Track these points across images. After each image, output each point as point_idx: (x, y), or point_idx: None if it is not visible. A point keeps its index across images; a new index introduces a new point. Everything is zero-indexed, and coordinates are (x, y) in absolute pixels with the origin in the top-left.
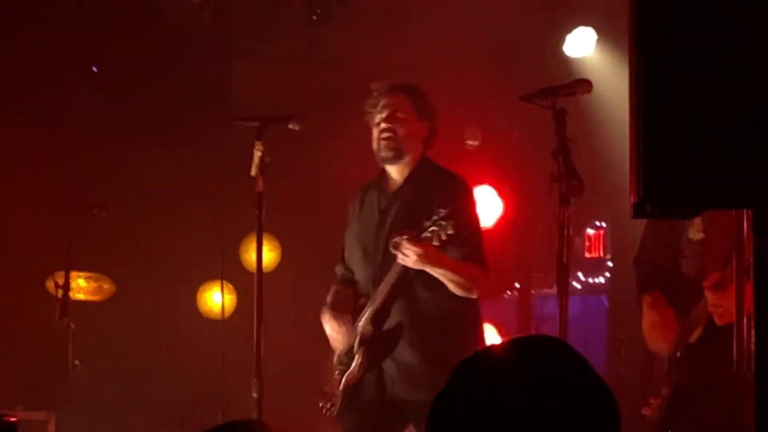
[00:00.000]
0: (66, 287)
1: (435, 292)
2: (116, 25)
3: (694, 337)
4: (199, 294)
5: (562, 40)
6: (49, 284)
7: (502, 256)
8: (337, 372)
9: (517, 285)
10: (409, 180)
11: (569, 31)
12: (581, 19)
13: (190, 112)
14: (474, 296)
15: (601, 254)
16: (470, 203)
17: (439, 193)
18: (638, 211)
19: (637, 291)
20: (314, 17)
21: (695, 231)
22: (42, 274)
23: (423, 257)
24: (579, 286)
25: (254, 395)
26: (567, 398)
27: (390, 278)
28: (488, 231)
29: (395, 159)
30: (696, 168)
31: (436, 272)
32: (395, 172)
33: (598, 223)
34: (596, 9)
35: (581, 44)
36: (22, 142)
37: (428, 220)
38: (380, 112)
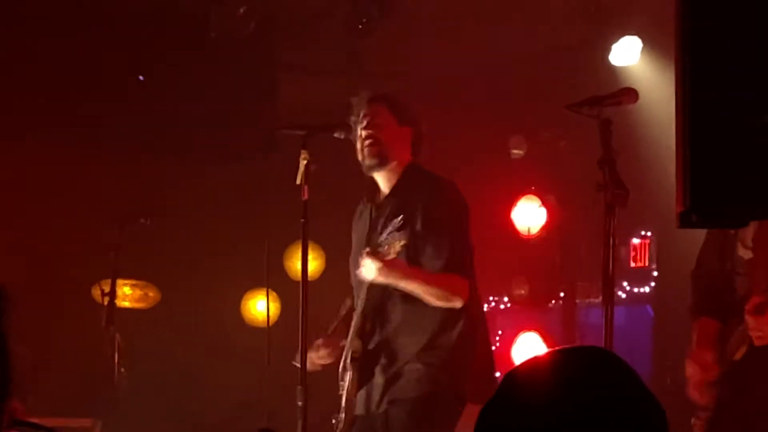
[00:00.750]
0: (112, 295)
1: (414, 303)
2: (163, 35)
3: (738, 355)
4: (243, 302)
5: (608, 50)
6: (96, 292)
7: (547, 266)
8: (340, 389)
9: (562, 294)
10: (394, 189)
11: (615, 40)
12: (627, 28)
13: (236, 121)
14: (456, 305)
15: (647, 264)
16: (450, 210)
17: (421, 201)
18: (684, 221)
19: (690, 306)
20: (359, 27)
21: (744, 249)
22: (88, 282)
23: (383, 271)
24: (624, 296)
25: (299, 403)
26: (615, 410)
27: (369, 293)
28: (533, 240)
29: (380, 165)
30: (742, 177)
31: (404, 285)
32: (383, 182)
33: (643, 232)
34: (642, 17)
35: (627, 53)
36: (71, 152)
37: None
38: (361, 123)
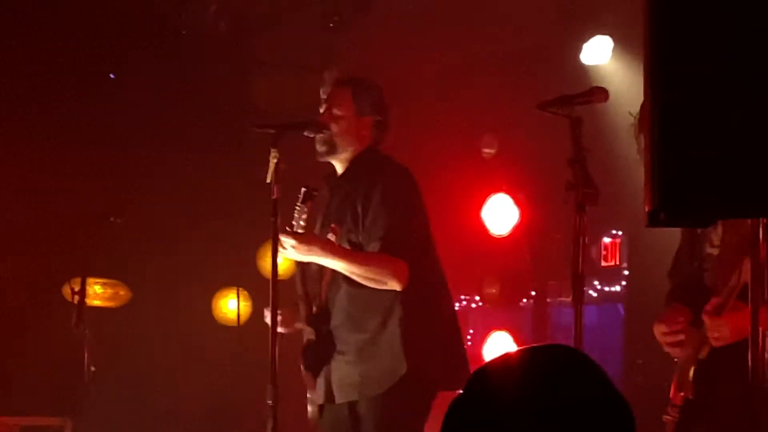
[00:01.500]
0: (82, 293)
1: (356, 291)
2: (134, 33)
3: (703, 354)
4: (214, 301)
5: (579, 49)
6: (66, 291)
7: (518, 265)
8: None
9: (533, 293)
10: (345, 173)
11: (586, 39)
12: (598, 27)
13: (207, 119)
14: (393, 287)
15: (618, 263)
16: (392, 192)
17: (364, 184)
18: (653, 219)
19: (665, 303)
20: (330, 25)
21: (711, 248)
22: (58, 281)
23: (300, 248)
24: (595, 295)
25: (269, 402)
26: (582, 408)
27: (313, 278)
28: (504, 239)
29: (327, 154)
30: (711, 176)
31: (330, 263)
32: (338, 166)
33: (614, 231)
34: (613, 17)
35: (598, 52)
36: (39, 149)
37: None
38: (321, 106)
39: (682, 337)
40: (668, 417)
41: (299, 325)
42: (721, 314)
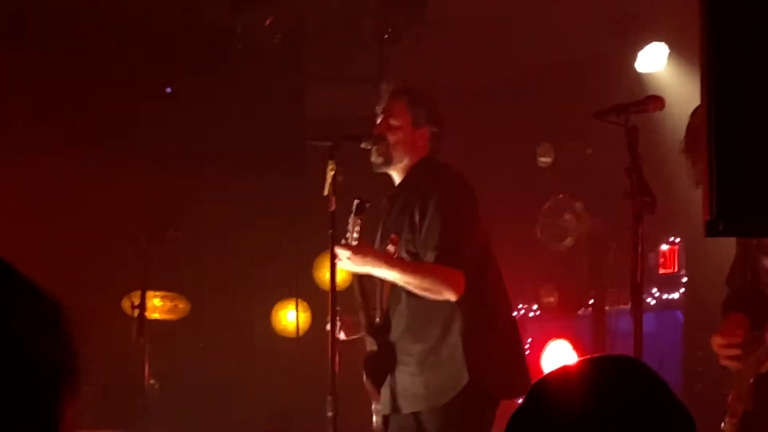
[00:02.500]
0: (142, 307)
1: (416, 302)
2: (188, 47)
3: (765, 368)
4: (273, 312)
5: (634, 57)
6: (126, 304)
7: (576, 273)
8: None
9: (591, 301)
10: (402, 183)
11: (642, 47)
12: (653, 34)
13: (264, 132)
14: (448, 297)
15: (675, 270)
16: (449, 200)
17: (420, 192)
18: (711, 229)
19: (722, 311)
20: (385, 36)
21: (766, 257)
22: (118, 295)
23: (355, 259)
24: (654, 302)
25: (329, 414)
26: (644, 421)
27: (375, 289)
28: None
29: (384, 165)
30: None
31: (385, 274)
32: (396, 177)
33: (672, 238)
34: (668, 24)
35: (653, 60)
36: (100, 165)
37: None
38: (378, 117)
39: (739, 351)
40: (726, 427)
41: (362, 334)
42: None
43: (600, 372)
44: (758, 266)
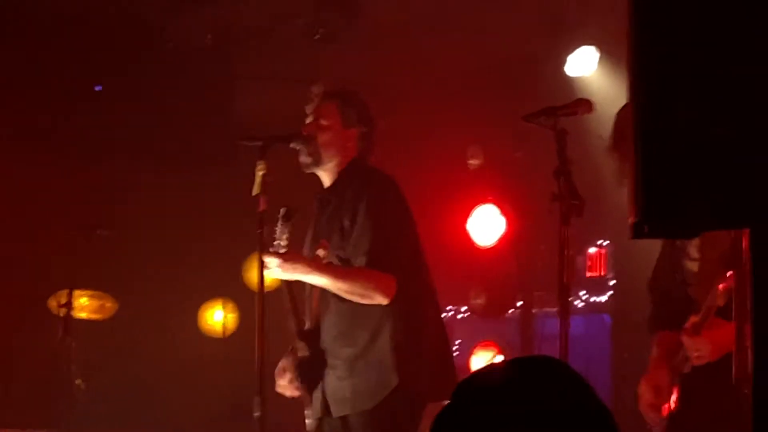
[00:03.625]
0: (69, 306)
1: (345, 307)
2: (119, 45)
3: (687, 368)
4: (200, 312)
5: (564, 60)
6: (52, 303)
7: (505, 275)
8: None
9: (519, 303)
10: (332, 186)
11: (572, 50)
12: (584, 38)
13: (193, 132)
14: (379, 301)
15: (603, 273)
16: (379, 204)
17: (351, 197)
18: (637, 231)
19: (648, 318)
20: (316, 37)
21: (691, 262)
22: (45, 294)
23: (284, 266)
24: (582, 305)
25: (256, 414)
26: (564, 420)
27: (301, 294)
28: (490, 249)
29: (313, 165)
30: (695, 187)
31: (315, 281)
32: (324, 179)
33: (600, 242)
34: (599, 28)
35: (584, 63)
36: (26, 162)
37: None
38: (308, 118)
39: (663, 414)
40: (655, 430)
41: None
42: (699, 332)
43: (523, 371)
44: (683, 267)
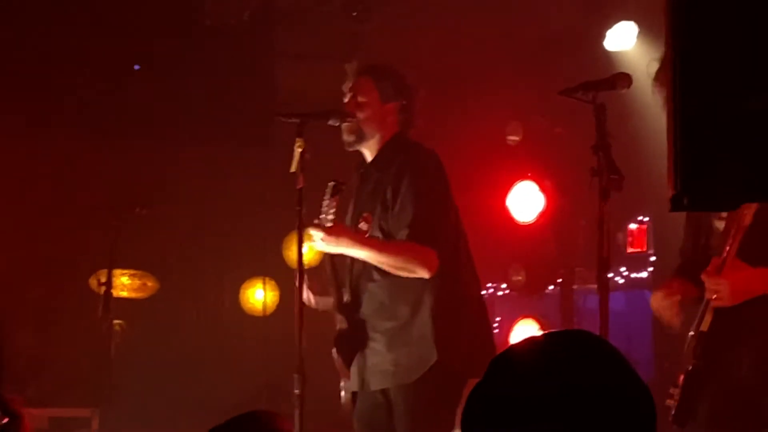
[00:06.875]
0: (109, 285)
1: (386, 280)
2: (158, 23)
3: (705, 326)
4: (242, 291)
5: (603, 35)
6: (93, 282)
7: (544, 252)
8: (335, 361)
9: (559, 280)
10: (374, 160)
11: (611, 25)
12: (623, 12)
13: (232, 110)
14: (421, 275)
15: (644, 249)
16: (421, 178)
17: (393, 171)
18: (676, 204)
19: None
20: (354, 14)
21: (719, 221)
22: (86, 273)
23: (328, 240)
24: (622, 281)
25: (296, 391)
26: (599, 392)
27: (347, 266)
28: (530, 226)
29: (356, 143)
30: (733, 160)
31: (358, 254)
32: (367, 154)
33: (640, 217)
34: (638, 2)
35: (623, 38)
36: (66, 139)
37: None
38: (345, 96)
39: (676, 305)
40: (670, 401)
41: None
42: (720, 272)
43: (558, 344)
44: (711, 228)
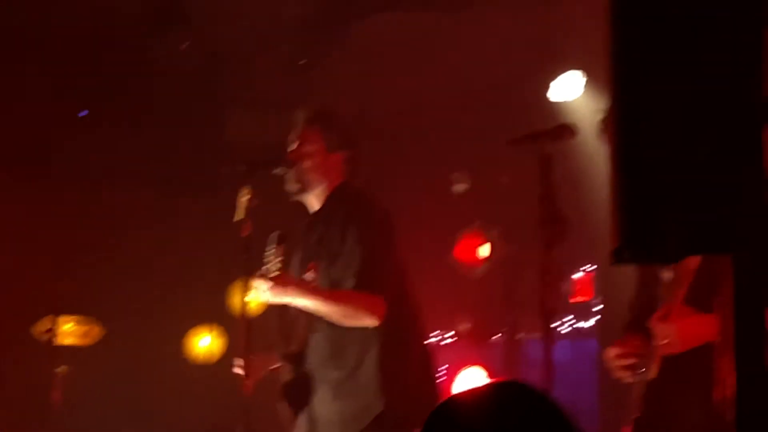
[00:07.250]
0: (54, 332)
1: (331, 331)
2: (105, 69)
3: (653, 373)
4: (188, 338)
5: (549, 85)
6: (37, 330)
7: (490, 300)
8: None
9: (505, 328)
10: (319, 211)
11: (559, 73)
12: (570, 62)
13: (181, 156)
14: (368, 323)
15: (590, 297)
16: (368, 227)
17: (338, 220)
18: (618, 257)
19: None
20: (302, 62)
21: (665, 270)
22: (30, 320)
23: (275, 290)
24: (568, 330)
25: None
26: None
27: (291, 317)
28: (476, 274)
29: (301, 191)
30: (675, 213)
31: (304, 304)
32: (311, 205)
33: (587, 266)
34: (584, 52)
35: (570, 87)
36: (9, 188)
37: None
38: (291, 146)
39: (633, 360)
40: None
41: (276, 365)
42: (667, 319)
43: (496, 396)
44: (657, 279)
